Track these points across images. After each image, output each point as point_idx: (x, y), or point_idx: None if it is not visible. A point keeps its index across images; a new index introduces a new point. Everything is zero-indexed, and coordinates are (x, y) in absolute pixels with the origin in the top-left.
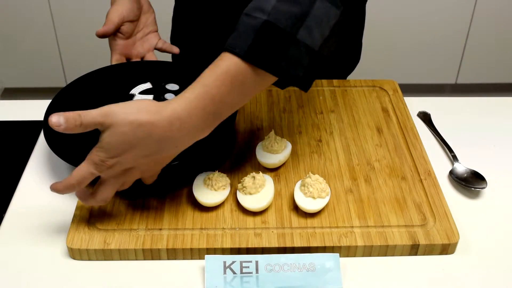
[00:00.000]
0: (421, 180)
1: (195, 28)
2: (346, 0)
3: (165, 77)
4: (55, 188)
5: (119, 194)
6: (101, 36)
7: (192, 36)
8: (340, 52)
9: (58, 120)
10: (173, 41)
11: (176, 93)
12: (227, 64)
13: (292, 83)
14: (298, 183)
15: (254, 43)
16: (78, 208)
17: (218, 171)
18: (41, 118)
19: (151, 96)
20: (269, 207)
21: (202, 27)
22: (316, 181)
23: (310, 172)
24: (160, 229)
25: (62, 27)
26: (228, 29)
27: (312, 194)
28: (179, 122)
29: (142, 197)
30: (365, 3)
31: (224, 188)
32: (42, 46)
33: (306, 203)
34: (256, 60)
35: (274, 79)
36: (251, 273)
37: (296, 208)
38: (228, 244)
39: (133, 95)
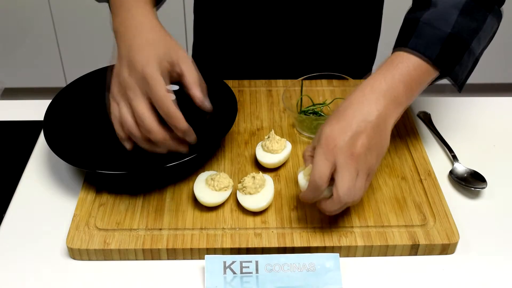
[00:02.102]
0: (421, 180)
1: (217, 30)
2: (501, 11)
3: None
4: (303, 198)
5: (119, 194)
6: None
7: (215, 38)
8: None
9: None
10: (196, 43)
11: (176, 93)
12: (418, 66)
13: (456, 82)
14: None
15: (442, 51)
16: (78, 208)
17: (220, 172)
18: (41, 118)
19: None
20: (269, 207)
21: (225, 29)
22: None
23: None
24: (160, 229)
25: (62, 27)
26: (251, 31)
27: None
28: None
29: (143, 192)
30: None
31: (226, 189)
32: (42, 46)
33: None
34: (442, 65)
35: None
36: (251, 273)
37: (296, 208)
38: (228, 244)
39: None
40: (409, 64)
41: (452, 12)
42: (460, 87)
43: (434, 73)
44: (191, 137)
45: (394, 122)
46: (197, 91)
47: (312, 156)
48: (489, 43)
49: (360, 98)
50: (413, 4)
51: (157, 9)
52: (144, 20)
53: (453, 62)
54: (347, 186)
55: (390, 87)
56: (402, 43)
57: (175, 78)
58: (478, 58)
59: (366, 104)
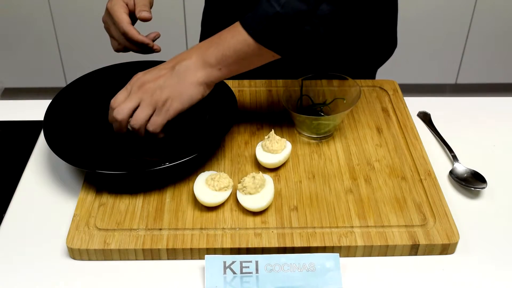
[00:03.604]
0: (421, 180)
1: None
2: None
3: None
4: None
5: (119, 194)
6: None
7: None
8: (374, 40)
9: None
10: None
11: None
12: (238, 36)
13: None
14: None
15: (265, 28)
16: (78, 208)
17: (220, 172)
18: (41, 118)
19: None
20: (269, 207)
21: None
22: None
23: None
24: (160, 229)
25: (62, 27)
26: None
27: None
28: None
29: (143, 191)
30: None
31: (226, 189)
32: (42, 46)
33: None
34: (263, 41)
35: (268, 53)
36: (251, 273)
37: (296, 208)
38: (228, 244)
39: None
40: (234, 34)
41: None
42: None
43: (259, 48)
44: (149, 44)
45: (201, 79)
46: (137, 9)
47: None
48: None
49: (186, 51)
50: None
51: None
52: None
53: (278, 38)
54: (122, 106)
55: (204, 47)
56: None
57: (133, 9)
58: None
59: (180, 56)
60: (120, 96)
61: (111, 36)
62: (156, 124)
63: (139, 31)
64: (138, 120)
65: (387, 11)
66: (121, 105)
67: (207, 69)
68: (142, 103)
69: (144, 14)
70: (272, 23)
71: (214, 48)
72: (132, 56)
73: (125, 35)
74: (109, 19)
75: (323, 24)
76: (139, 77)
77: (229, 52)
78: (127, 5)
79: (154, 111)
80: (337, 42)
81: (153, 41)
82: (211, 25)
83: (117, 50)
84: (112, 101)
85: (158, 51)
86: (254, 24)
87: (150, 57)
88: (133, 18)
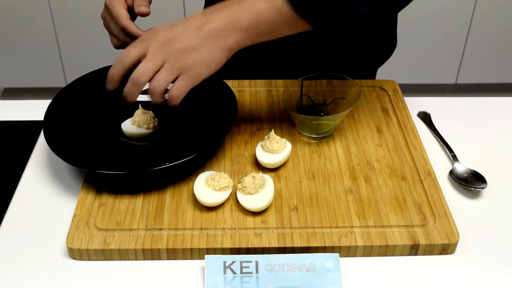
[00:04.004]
0: (421, 180)
1: None
2: None
3: None
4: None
5: (119, 194)
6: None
7: None
8: (374, 39)
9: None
10: None
11: None
12: (273, 2)
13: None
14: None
15: None
16: (78, 208)
17: (220, 172)
18: (41, 118)
19: None
20: (269, 207)
21: None
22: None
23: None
24: (160, 229)
25: (62, 27)
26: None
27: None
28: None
29: (143, 191)
30: None
31: (226, 189)
32: (42, 46)
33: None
34: (298, 7)
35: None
36: (251, 273)
37: (296, 208)
38: (228, 244)
39: None
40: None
41: None
42: (312, 19)
43: (293, 16)
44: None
45: (230, 45)
46: (135, 4)
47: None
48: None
49: (213, 9)
50: None
51: None
52: None
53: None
54: (142, 67)
55: (233, 10)
56: None
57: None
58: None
59: (205, 15)
60: (133, 50)
61: (111, 33)
62: (181, 89)
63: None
64: (160, 84)
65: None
66: (143, 67)
67: (238, 35)
68: (166, 65)
69: (142, 9)
70: None
71: (246, 13)
72: None
73: (124, 30)
74: (108, 15)
75: (365, 4)
76: (160, 32)
77: (261, 18)
78: (125, 0)
79: (178, 74)
80: (371, 22)
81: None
82: None
83: (117, 47)
84: (121, 55)
85: None
86: None
87: None
88: (132, 14)
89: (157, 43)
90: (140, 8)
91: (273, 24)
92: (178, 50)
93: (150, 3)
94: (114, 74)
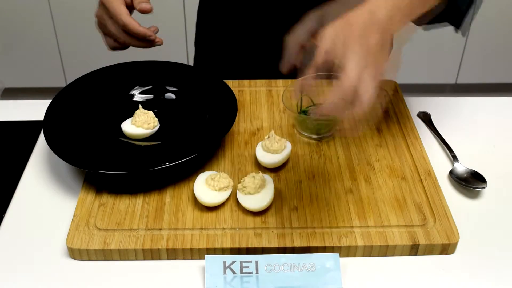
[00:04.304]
0: (421, 180)
1: (219, 31)
2: None
3: (165, 77)
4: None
5: (119, 194)
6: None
7: (216, 39)
8: None
9: None
10: (198, 44)
11: (175, 93)
12: None
13: (456, 15)
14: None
15: None
16: (78, 208)
17: (221, 172)
18: (41, 118)
19: (151, 96)
20: (269, 207)
21: (226, 29)
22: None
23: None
24: (160, 229)
25: (62, 27)
26: (251, 31)
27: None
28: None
29: (143, 191)
30: None
31: (226, 189)
32: (42, 46)
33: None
34: None
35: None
36: (251, 273)
37: (296, 208)
38: (228, 244)
39: (133, 95)
40: None
41: None
42: (459, 24)
43: None
44: (151, 36)
45: (396, 31)
46: (136, 1)
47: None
48: None
49: (368, 1)
50: None
51: None
52: None
53: None
54: (355, 71)
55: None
56: None
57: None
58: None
59: (375, 3)
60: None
61: (106, 34)
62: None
63: None
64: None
65: None
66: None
67: (404, 20)
68: (371, 66)
69: (144, 6)
70: None
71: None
72: (132, 56)
73: (125, 27)
74: (105, 13)
75: None
76: (356, 40)
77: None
78: None
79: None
80: None
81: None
82: (207, 25)
83: (114, 48)
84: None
85: (160, 43)
86: None
87: (150, 57)
88: (130, 12)
89: (363, 51)
90: (141, 5)
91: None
92: (375, 60)
93: None
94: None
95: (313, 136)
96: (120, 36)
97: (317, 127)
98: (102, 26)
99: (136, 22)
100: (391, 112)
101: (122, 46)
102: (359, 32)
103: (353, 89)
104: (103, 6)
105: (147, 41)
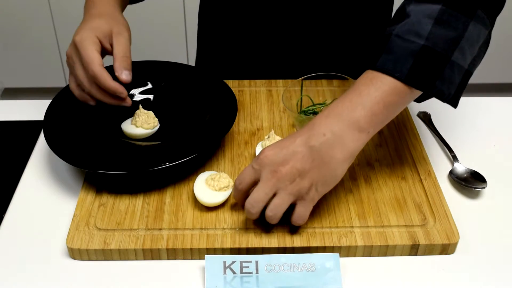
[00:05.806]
0: (421, 180)
1: (220, 31)
2: (492, 19)
3: (165, 77)
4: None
5: (119, 194)
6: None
7: (218, 39)
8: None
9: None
10: (200, 44)
11: (175, 93)
12: (383, 86)
13: (444, 100)
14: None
15: (413, 67)
16: (78, 208)
17: (220, 172)
18: (41, 118)
19: (151, 96)
20: None
21: (227, 30)
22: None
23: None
24: (160, 229)
25: (62, 27)
26: (252, 32)
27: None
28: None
29: (143, 191)
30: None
31: (226, 189)
32: (42, 46)
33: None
34: (415, 83)
35: (418, 95)
36: (251, 273)
37: None
38: (228, 244)
39: (133, 95)
40: (377, 86)
41: (425, 22)
42: (453, 102)
43: (410, 92)
44: (122, 94)
45: (350, 152)
46: (117, 63)
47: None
48: (483, 52)
49: (317, 119)
50: (392, 18)
51: (135, 2)
52: None
53: (431, 78)
54: (254, 197)
55: (343, 112)
56: (372, 61)
57: (109, 49)
58: (470, 71)
59: (317, 127)
60: (247, 177)
61: (73, 75)
62: (303, 217)
63: (129, 20)
64: (277, 212)
65: (385, 10)
66: (255, 196)
67: (356, 137)
68: (280, 192)
69: (124, 77)
70: (420, 59)
71: (359, 109)
72: (131, 56)
73: (94, 79)
74: (75, 55)
75: (471, 47)
76: (269, 159)
77: (378, 108)
78: (100, 41)
79: (295, 200)
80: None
81: (124, 84)
82: (208, 25)
83: (74, 92)
84: (237, 180)
85: (128, 105)
86: (399, 66)
87: (150, 57)
88: (104, 53)
89: (267, 172)
90: (122, 75)
91: (390, 109)
92: (289, 175)
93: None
94: (237, 199)
95: None
96: (85, 85)
97: None
98: (70, 66)
99: (108, 75)
100: None
101: (83, 96)
102: (279, 158)
103: (253, 213)
104: (74, 46)
105: (115, 98)
